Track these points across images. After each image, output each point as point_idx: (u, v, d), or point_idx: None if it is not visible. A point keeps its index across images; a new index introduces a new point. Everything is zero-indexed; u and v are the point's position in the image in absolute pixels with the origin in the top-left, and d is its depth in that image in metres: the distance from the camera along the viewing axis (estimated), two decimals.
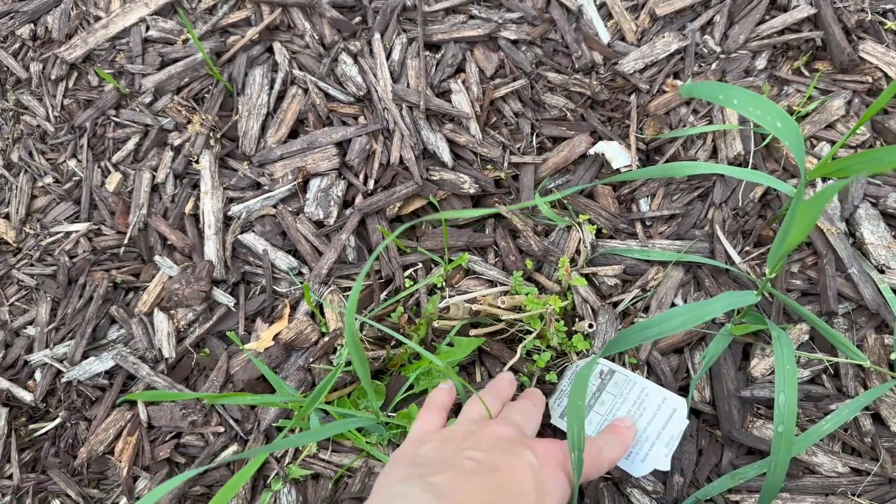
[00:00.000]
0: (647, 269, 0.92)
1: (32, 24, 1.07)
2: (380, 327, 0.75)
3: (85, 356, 0.91)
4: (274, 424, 0.86)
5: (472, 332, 0.89)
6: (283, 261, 0.94)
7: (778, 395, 0.71)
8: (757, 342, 0.88)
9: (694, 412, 0.86)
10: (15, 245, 0.98)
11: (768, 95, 0.98)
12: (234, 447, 0.86)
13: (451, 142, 0.97)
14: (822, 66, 1.01)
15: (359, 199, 0.95)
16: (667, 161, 0.96)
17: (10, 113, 1.05)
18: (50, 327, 0.93)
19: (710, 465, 0.85)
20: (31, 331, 0.94)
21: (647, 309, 0.91)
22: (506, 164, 0.97)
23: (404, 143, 0.96)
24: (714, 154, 0.96)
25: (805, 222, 0.53)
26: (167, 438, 0.88)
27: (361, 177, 0.96)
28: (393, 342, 0.90)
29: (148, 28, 1.05)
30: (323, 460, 0.86)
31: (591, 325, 0.84)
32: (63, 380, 0.90)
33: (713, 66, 1.00)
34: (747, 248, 0.92)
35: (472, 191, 0.94)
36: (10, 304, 0.96)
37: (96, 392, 0.90)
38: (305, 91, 1.00)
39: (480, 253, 0.96)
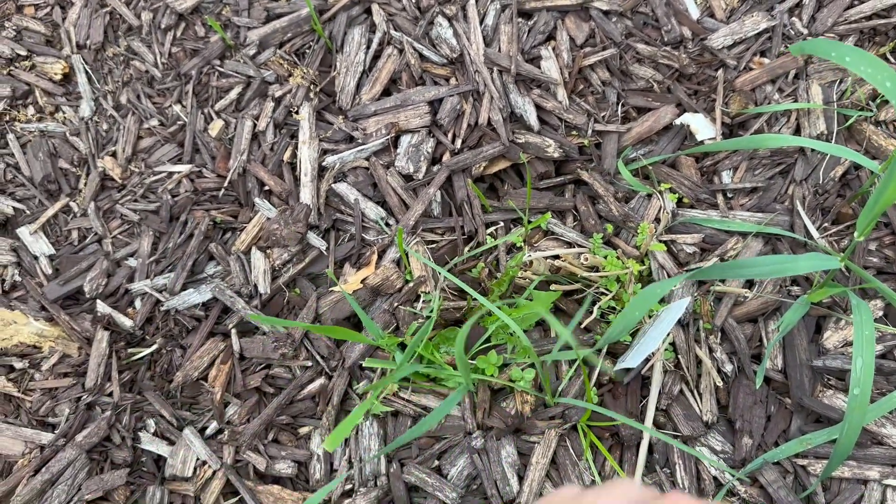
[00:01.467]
0: (727, 240, 0.94)
1: None
2: (464, 287, 0.78)
3: (184, 288, 0.96)
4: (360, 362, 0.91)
5: (552, 287, 0.92)
6: (373, 211, 0.98)
7: (855, 360, 0.73)
8: (830, 316, 0.90)
9: (765, 379, 0.89)
10: (120, 181, 1.04)
11: (854, 79, 0.99)
12: (320, 381, 0.91)
13: (538, 106, 1.00)
14: None
15: (446, 157, 0.99)
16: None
17: (121, 58, 1.11)
18: (151, 259, 0.99)
19: (778, 430, 0.87)
20: (132, 262, 0.99)
21: (723, 279, 0.93)
22: (590, 131, 1.00)
23: (493, 106, 0.99)
24: (797, 132, 0.98)
25: None
26: (258, 369, 0.93)
27: (450, 135, 1.00)
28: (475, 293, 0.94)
29: None
30: (403, 399, 0.90)
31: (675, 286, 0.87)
32: (162, 308, 0.96)
33: None
34: (826, 225, 0.94)
35: (555, 155, 0.98)
36: (113, 236, 1.02)
37: (192, 322, 0.95)
38: (401, 51, 1.04)
39: (560, 216, 0.99)
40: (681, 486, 0.84)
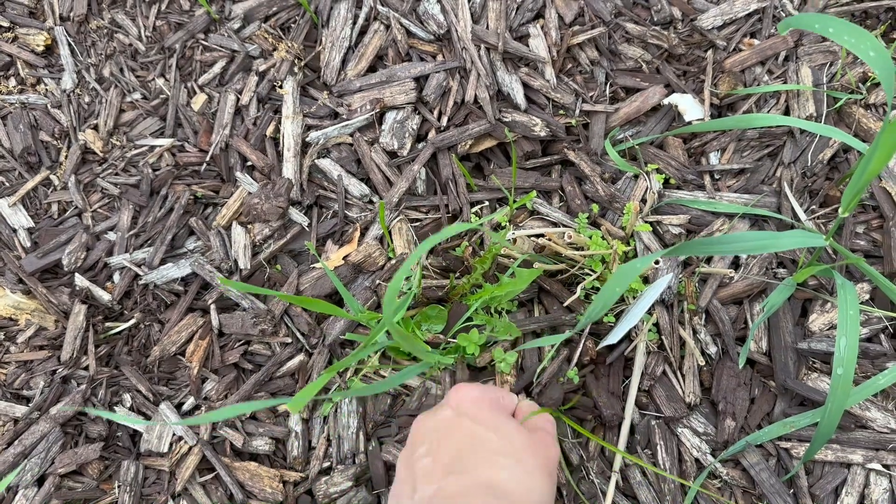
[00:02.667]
0: (713, 221, 0.93)
1: None
2: None
3: (163, 262, 0.95)
4: (341, 337, 0.90)
5: (536, 265, 0.91)
6: (356, 187, 0.97)
7: (839, 339, 0.72)
8: (817, 299, 0.89)
9: (749, 362, 0.88)
10: (101, 155, 1.02)
11: (844, 62, 0.98)
12: (299, 358, 0.90)
13: (525, 85, 0.99)
14: None
15: (432, 135, 0.98)
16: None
17: (105, 30, 1.09)
18: (130, 233, 0.97)
19: (762, 412, 0.86)
20: (111, 236, 0.98)
21: (709, 260, 0.92)
22: (578, 110, 0.99)
23: (480, 83, 0.98)
24: (787, 114, 0.97)
25: (891, 143, 0.54)
26: (236, 345, 0.92)
27: (436, 113, 0.99)
28: (457, 273, 0.93)
29: None
30: (383, 377, 0.89)
31: (657, 262, 0.86)
32: (140, 283, 0.94)
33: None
34: (813, 207, 0.93)
35: (542, 134, 0.97)
36: (93, 210, 1.00)
37: (171, 297, 0.94)
38: (387, 27, 1.03)
39: (546, 196, 0.98)
40: (662, 466, 0.83)
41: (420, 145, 0.98)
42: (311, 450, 0.88)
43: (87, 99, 1.06)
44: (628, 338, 0.88)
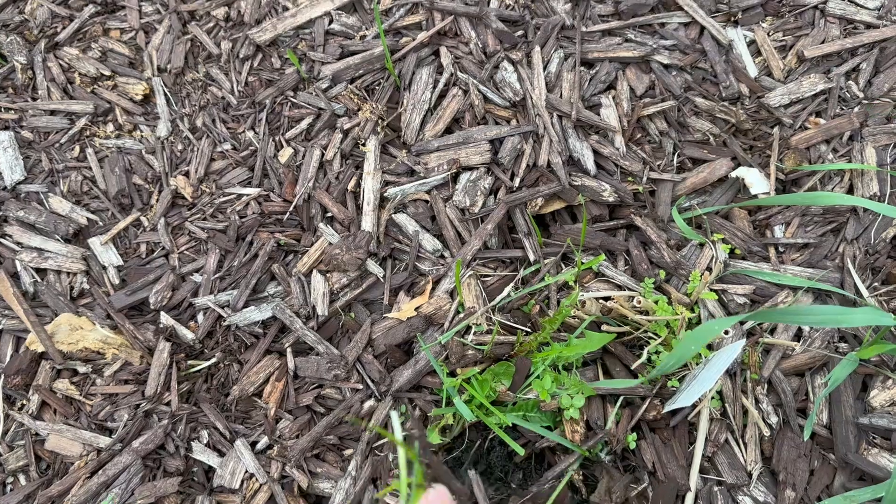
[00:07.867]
0: (777, 293, 0.95)
1: (227, 7, 1.20)
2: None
3: (245, 305, 1.00)
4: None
5: (604, 328, 0.94)
6: (430, 242, 1.01)
7: None
8: (877, 375, 0.91)
9: (809, 434, 0.89)
10: (191, 200, 1.08)
11: None
12: (369, 403, 0.93)
13: (595, 152, 1.04)
14: None
15: (503, 194, 1.03)
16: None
17: (199, 83, 1.17)
18: (216, 276, 1.02)
19: (821, 484, 0.87)
20: (196, 278, 1.04)
21: (773, 330, 0.94)
22: (645, 178, 1.03)
23: (552, 148, 1.03)
24: (850, 192, 1.00)
25: None
26: (310, 388, 0.96)
27: (509, 174, 1.04)
28: (526, 329, 0.96)
29: (331, 21, 1.16)
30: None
31: (726, 332, 0.89)
32: (223, 324, 0.99)
33: (855, 109, 1.04)
34: (875, 284, 0.95)
35: (610, 199, 1.01)
36: (179, 252, 1.06)
37: (251, 339, 0.99)
38: (465, 92, 1.08)
39: (611, 259, 1.02)
40: None
41: (490, 203, 1.03)
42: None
43: (179, 147, 1.13)
44: (698, 396, 0.91)
